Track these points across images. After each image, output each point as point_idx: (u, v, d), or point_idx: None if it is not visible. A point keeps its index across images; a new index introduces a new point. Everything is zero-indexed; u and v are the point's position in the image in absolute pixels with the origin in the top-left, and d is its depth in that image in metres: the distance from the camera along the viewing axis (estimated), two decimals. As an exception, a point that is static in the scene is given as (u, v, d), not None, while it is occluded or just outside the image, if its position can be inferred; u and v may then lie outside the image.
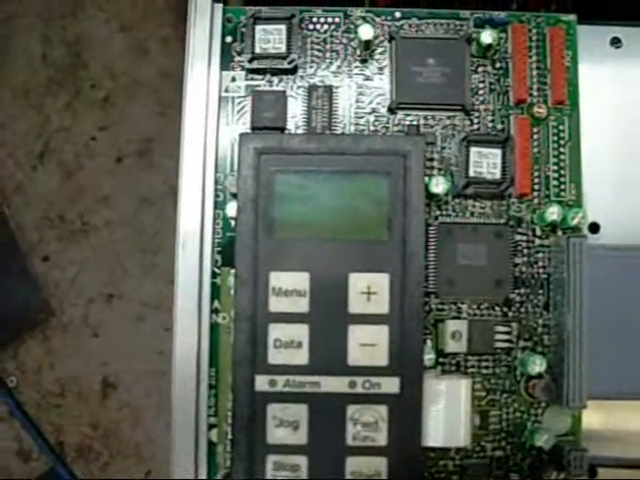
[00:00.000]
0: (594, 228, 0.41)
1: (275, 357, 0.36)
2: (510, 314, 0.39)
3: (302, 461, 0.35)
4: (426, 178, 0.37)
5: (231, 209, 0.38)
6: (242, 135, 0.37)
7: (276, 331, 0.36)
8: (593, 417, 0.41)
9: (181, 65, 0.42)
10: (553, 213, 0.38)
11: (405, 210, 0.36)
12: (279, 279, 0.36)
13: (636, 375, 0.38)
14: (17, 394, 1.21)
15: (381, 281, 0.36)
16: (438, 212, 0.40)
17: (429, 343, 0.38)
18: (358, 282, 0.36)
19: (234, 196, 0.38)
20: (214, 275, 0.39)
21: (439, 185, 0.38)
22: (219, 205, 0.40)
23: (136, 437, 1.21)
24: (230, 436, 0.37)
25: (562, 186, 0.40)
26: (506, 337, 0.39)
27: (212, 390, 0.39)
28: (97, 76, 1.29)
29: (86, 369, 1.22)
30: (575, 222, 0.38)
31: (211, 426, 0.39)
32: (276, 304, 0.36)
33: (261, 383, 0.35)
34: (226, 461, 0.39)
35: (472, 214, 0.40)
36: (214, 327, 0.39)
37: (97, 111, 1.28)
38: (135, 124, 1.27)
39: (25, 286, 1.22)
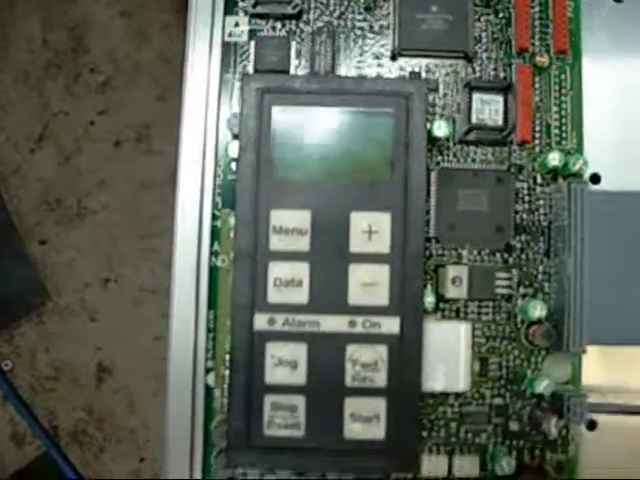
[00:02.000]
0: (595, 179, 0.41)
1: (275, 296, 0.35)
2: (511, 261, 0.39)
3: (300, 401, 0.35)
4: (428, 123, 0.37)
5: (232, 149, 0.38)
6: (245, 75, 0.37)
7: (276, 269, 0.35)
8: (593, 370, 0.40)
9: (182, 51, 0.42)
10: (554, 159, 0.38)
11: (407, 151, 0.36)
12: (280, 217, 0.36)
13: (637, 321, 0.38)
14: (12, 378, 1.21)
15: (382, 220, 0.36)
16: (439, 158, 0.39)
17: (429, 288, 0.38)
18: (359, 221, 0.36)
19: (236, 137, 0.37)
20: (214, 217, 0.39)
21: (441, 129, 0.38)
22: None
23: (131, 423, 1.20)
24: (227, 378, 0.37)
25: (563, 134, 0.40)
26: (506, 283, 0.39)
27: (210, 333, 0.39)
28: (97, 60, 1.28)
29: (82, 353, 1.21)
30: (576, 168, 0.38)
31: (208, 370, 0.38)
32: (276, 242, 0.35)
33: (260, 322, 0.35)
34: (223, 406, 0.38)
35: (473, 160, 0.40)
36: (213, 270, 0.39)
37: (96, 95, 1.28)
38: (134, 109, 1.27)
39: (22, 269, 1.21)
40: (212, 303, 0.39)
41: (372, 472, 0.37)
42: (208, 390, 0.38)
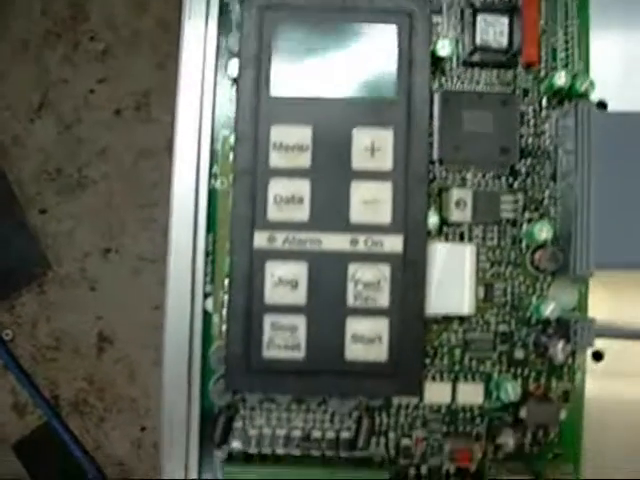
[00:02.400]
0: (602, 106, 0.40)
1: (275, 213, 0.35)
2: (516, 184, 0.38)
3: (300, 321, 0.34)
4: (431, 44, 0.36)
5: (232, 68, 0.37)
6: (245, -8, 0.36)
7: (276, 186, 0.35)
8: (599, 308, 0.39)
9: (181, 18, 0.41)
10: (560, 78, 0.37)
11: (411, 68, 0.35)
12: (280, 133, 0.35)
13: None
14: (13, 347, 1.20)
15: (385, 137, 0.35)
16: (443, 79, 0.38)
17: (433, 210, 0.37)
18: (362, 137, 0.35)
19: (235, 56, 0.37)
20: (213, 141, 0.38)
21: (444, 48, 0.37)
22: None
23: (132, 392, 1.20)
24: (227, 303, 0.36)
25: (570, 58, 0.39)
26: (512, 207, 0.38)
27: (209, 257, 0.38)
28: (96, 28, 1.27)
29: (82, 323, 1.21)
30: (583, 89, 0.37)
31: (207, 295, 0.38)
32: (277, 159, 0.35)
33: (260, 240, 0.34)
34: (222, 333, 0.37)
35: (478, 83, 0.39)
36: (212, 192, 0.38)
37: (96, 64, 1.27)
38: (134, 77, 1.25)
39: (22, 239, 1.21)
40: (211, 226, 0.38)
41: (374, 395, 0.36)
42: (206, 316, 0.37)
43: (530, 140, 0.38)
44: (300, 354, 0.34)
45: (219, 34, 0.39)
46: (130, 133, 1.25)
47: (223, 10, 0.39)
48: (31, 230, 1.22)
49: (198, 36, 0.38)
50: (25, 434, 1.18)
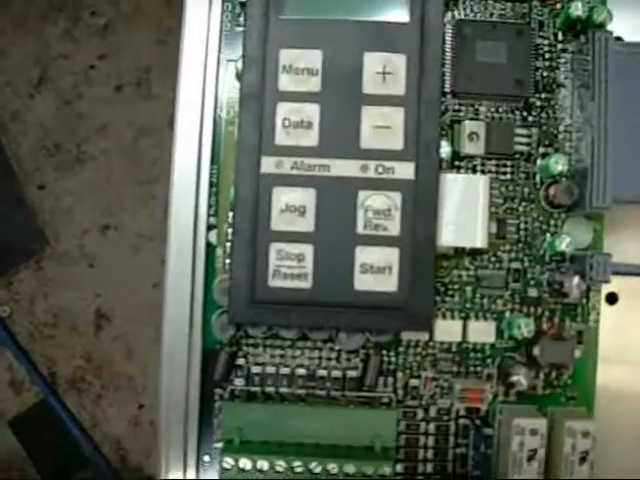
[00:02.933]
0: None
1: (283, 138, 0.33)
2: (530, 118, 0.37)
3: (308, 250, 0.33)
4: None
5: (240, -7, 0.35)
6: None
7: (285, 110, 0.33)
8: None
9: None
10: (577, 9, 0.36)
11: (424, -9, 0.34)
12: (290, 57, 0.34)
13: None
14: (10, 324, 1.19)
15: (398, 62, 0.34)
16: (455, 10, 0.37)
17: (445, 142, 0.36)
18: (373, 62, 0.34)
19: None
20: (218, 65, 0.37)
21: (459, -25, 0.35)
22: (226, -2, 0.37)
23: (129, 370, 1.19)
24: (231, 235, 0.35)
25: (587, -10, 0.38)
26: (526, 140, 0.37)
27: (213, 188, 0.36)
28: (98, 3, 1.26)
29: (80, 300, 1.20)
30: (600, 19, 0.36)
31: (210, 227, 0.36)
32: (286, 83, 0.34)
33: (267, 165, 0.33)
34: (225, 266, 0.36)
35: (492, 15, 0.37)
36: (217, 121, 0.37)
37: (97, 39, 1.25)
38: (135, 53, 1.24)
39: (20, 215, 1.19)
40: (215, 157, 0.36)
41: (383, 329, 0.35)
42: (210, 248, 0.36)
43: (545, 73, 0.37)
44: (307, 284, 0.33)
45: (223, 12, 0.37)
46: (130, 109, 1.23)
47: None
48: (29, 206, 1.21)
49: (201, 15, 0.37)
50: (22, 411, 1.17)
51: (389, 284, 0.33)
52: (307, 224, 0.33)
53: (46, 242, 1.20)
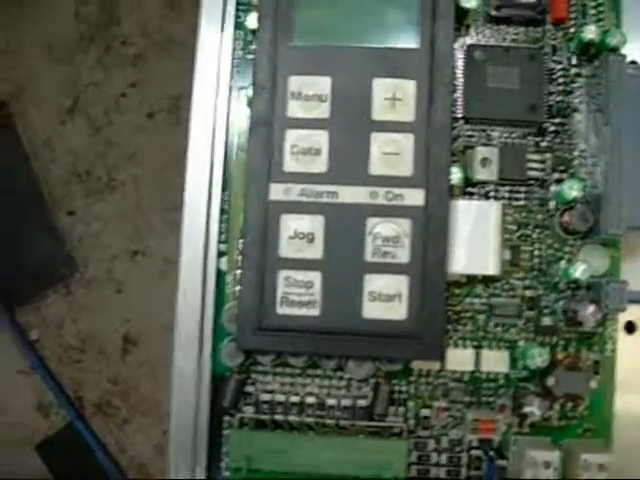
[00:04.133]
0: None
1: (291, 164, 0.33)
2: (544, 144, 0.37)
3: (316, 277, 0.33)
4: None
5: (251, 20, 0.36)
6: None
7: (294, 137, 0.33)
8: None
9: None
10: (591, 32, 0.35)
11: (434, 16, 0.34)
12: (299, 84, 0.34)
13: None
14: (39, 348, 1.20)
15: (407, 88, 0.34)
16: (468, 36, 0.37)
17: (457, 168, 0.35)
18: (383, 88, 0.34)
19: (255, 7, 0.36)
20: (230, 91, 0.37)
21: (470, 0, 0.35)
22: (238, 25, 0.37)
23: (155, 395, 1.19)
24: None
25: (600, 15, 0.38)
26: (540, 166, 0.36)
27: (224, 215, 0.36)
28: (128, 33, 1.28)
29: (108, 325, 1.20)
30: (614, 43, 0.35)
31: (221, 254, 0.36)
32: (295, 109, 0.34)
33: (275, 192, 0.33)
34: (235, 292, 0.36)
35: (504, 40, 0.37)
36: (228, 148, 0.37)
37: (128, 67, 1.27)
38: (165, 81, 1.26)
39: (50, 240, 1.21)
40: (226, 184, 0.36)
41: (393, 358, 0.34)
42: (220, 275, 0.36)
43: (559, 98, 0.37)
44: (315, 311, 0.33)
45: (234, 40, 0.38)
46: (160, 136, 1.25)
47: None
48: (58, 231, 1.22)
49: (213, 43, 0.38)
50: (49, 435, 1.18)
51: (398, 312, 0.33)
52: (315, 251, 0.33)
53: (75, 267, 1.21)
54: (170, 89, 1.22)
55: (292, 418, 0.36)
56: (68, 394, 1.17)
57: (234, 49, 0.37)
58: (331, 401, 0.36)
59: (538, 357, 0.35)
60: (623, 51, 0.36)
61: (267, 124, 0.33)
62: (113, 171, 1.24)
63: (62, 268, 1.20)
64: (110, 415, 1.18)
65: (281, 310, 0.33)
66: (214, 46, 0.37)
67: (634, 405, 0.37)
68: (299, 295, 0.33)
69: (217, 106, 0.37)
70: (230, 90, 0.37)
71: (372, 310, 0.33)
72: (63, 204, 1.23)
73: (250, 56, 0.37)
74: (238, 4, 0.38)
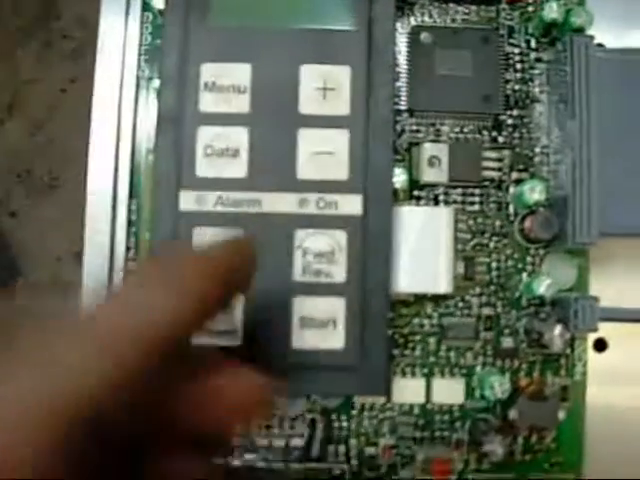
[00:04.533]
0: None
1: (205, 169, 0.28)
2: (501, 139, 0.32)
3: (236, 301, 0.28)
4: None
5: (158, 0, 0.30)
6: None
7: (207, 135, 0.28)
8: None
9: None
10: (552, 11, 0.31)
11: (371, -6, 0.29)
12: (213, 72, 0.28)
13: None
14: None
15: (341, 75, 0.28)
16: (412, 16, 0.32)
17: (401, 170, 0.31)
18: (312, 76, 0.29)
19: (160, -16, 0.30)
20: (138, 83, 0.31)
21: (414, -26, 0.30)
22: (146, 6, 0.32)
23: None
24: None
25: (563, -9, 0.33)
26: (496, 165, 0.31)
27: (131, 228, 0.31)
28: (68, 26, 1.22)
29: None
30: (579, 22, 0.31)
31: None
32: (208, 102, 0.28)
33: (186, 200, 0.28)
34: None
35: (453, 20, 0.32)
36: (136, 149, 0.32)
37: (68, 62, 1.22)
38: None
39: (-10, 244, 1.15)
40: (134, 191, 0.31)
41: (329, 394, 0.29)
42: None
43: (517, 87, 0.32)
44: (236, 341, 0.28)
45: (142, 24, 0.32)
46: (104, 133, 1.19)
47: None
48: (1, 236, 1.17)
49: (117, 27, 0.32)
50: None
51: (334, 340, 0.28)
52: (235, 279, 0.28)
53: (18, 271, 1.16)
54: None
55: (217, 462, 0.30)
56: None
57: (141, 34, 0.32)
58: (262, 441, 0.31)
59: (498, 387, 0.30)
60: (589, 32, 0.31)
61: (176, 120, 0.28)
62: (55, 170, 1.18)
63: (4, 272, 1.15)
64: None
65: (196, 340, 0.28)
66: (118, 31, 0.31)
67: (606, 434, 0.33)
68: (217, 322, 0.28)
69: (122, 100, 0.31)
70: (138, 82, 0.31)
71: (303, 338, 0.28)
72: (4, 205, 1.17)
73: (160, 42, 0.31)
74: (145, -19, 0.32)
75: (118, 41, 0.32)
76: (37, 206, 1.18)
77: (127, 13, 0.32)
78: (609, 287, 0.32)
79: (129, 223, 0.31)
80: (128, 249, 0.31)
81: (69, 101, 1.21)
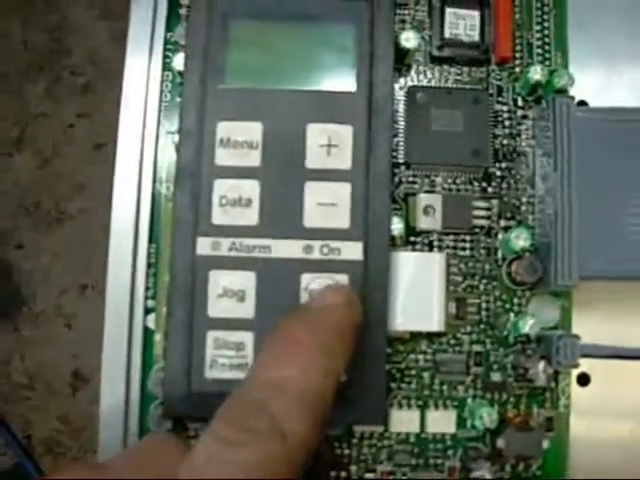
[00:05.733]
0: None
1: (220, 217, 0.31)
2: (490, 190, 0.35)
3: (247, 338, 0.31)
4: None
5: (178, 61, 0.33)
6: (193, -18, 0.33)
7: (222, 187, 0.31)
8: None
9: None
10: (536, 73, 0.34)
11: (372, 59, 0.32)
12: (228, 130, 0.31)
13: (629, 252, 0.33)
14: (-16, 386, 1.15)
15: (344, 133, 0.31)
16: (409, 77, 0.35)
17: (398, 218, 0.33)
18: (317, 133, 0.31)
19: (183, 47, 0.33)
20: (158, 136, 0.34)
21: (409, 40, 0.34)
22: (166, 66, 0.35)
23: (97, 454, 1.15)
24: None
25: (547, 54, 0.36)
26: (485, 214, 0.34)
27: (151, 269, 0.34)
28: (78, 63, 1.26)
29: (57, 361, 1.17)
30: (561, 84, 0.34)
31: (148, 310, 0.34)
32: (223, 157, 0.31)
33: (203, 246, 0.31)
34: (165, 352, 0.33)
35: (447, 80, 0.35)
36: (156, 197, 0.34)
37: (77, 98, 1.25)
38: (115, 111, 1.22)
39: (-4, 275, 1.17)
40: (154, 236, 0.34)
41: (330, 423, 0.32)
42: (147, 333, 0.34)
43: (505, 142, 0.35)
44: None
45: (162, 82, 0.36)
46: (110, 168, 1.21)
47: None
48: (6, 265, 1.19)
49: (139, 85, 0.35)
50: (-5, 477, 1.13)
51: (337, 375, 0.30)
52: (247, 310, 0.31)
53: (23, 302, 1.18)
54: (119, 120, 1.19)
55: (226, 487, 0.33)
56: (16, 433, 1.13)
57: (161, 92, 0.35)
58: (268, 468, 0.33)
59: (487, 417, 0.33)
60: (571, 92, 0.34)
61: (194, 173, 0.31)
62: (62, 203, 1.20)
63: (9, 303, 1.16)
64: (60, 454, 1.14)
65: (210, 374, 0.31)
66: (140, 89, 0.34)
67: (590, 462, 0.35)
68: (229, 358, 0.30)
69: (144, 153, 0.34)
70: (157, 136, 0.34)
71: (309, 372, 0.30)
72: (11, 237, 1.19)
73: (179, 99, 0.34)
74: (166, 43, 0.35)
75: (140, 97, 0.35)
76: (43, 239, 1.20)
77: (149, 72, 0.35)
78: (590, 326, 0.35)
79: (149, 265, 0.34)
80: (147, 288, 0.34)
81: (77, 136, 1.24)
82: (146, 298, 0.34)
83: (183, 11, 0.36)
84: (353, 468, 0.34)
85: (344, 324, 0.26)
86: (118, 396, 0.33)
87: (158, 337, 0.34)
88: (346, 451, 0.34)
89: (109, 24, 1.25)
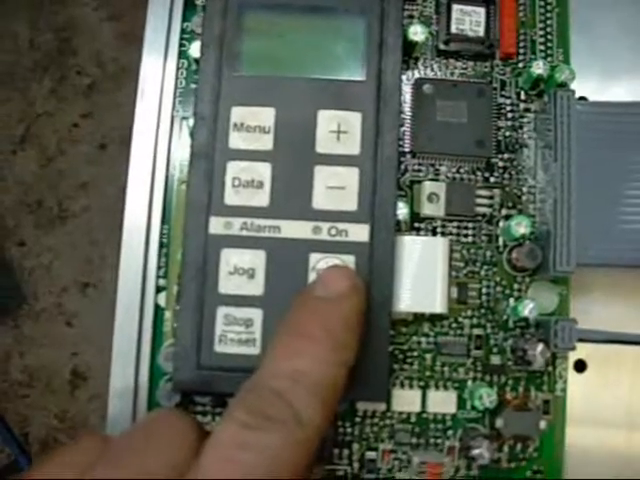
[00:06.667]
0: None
1: (232, 198, 0.32)
2: (492, 179, 0.36)
3: (257, 314, 0.32)
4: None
5: (195, 49, 0.35)
6: (209, -29, 0.34)
7: (235, 169, 0.32)
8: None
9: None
10: (539, 67, 0.35)
11: (381, 50, 0.33)
12: (241, 114, 0.33)
13: (625, 240, 0.34)
14: (-17, 383, 1.16)
15: (353, 120, 0.33)
16: (416, 69, 0.37)
17: (404, 204, 0.35)
18: (327, 120, 0.33)
19: (199, 36, 0.35)
20: (172, 121, 0.36)
21: (417, 33, 0.35)
22: (182, 54, 0.36)
23: (104, 431, 1.15)
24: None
25: (549, 51, 0.37)
26: (488, 202, 0.36)
27: (163, 249, 0.35)
28: (83, 63, 1.27)
29: (57, 359, 1.17)
30: (563, 78, 0.35)
31: (160, 289, 0.35)
32: (237, 140, 0.32)
33: (215, 225, 0.32)
34: (174, 329, 0.35)
35: (452, 74, 0.37)
36: (169, 180, 0.36)
37: (82, 98, 1.26)
38: (120, 112, 1.24)
39: (-2, 272, 1.18)
40: (166, 217, 0.35)
41: (337, 399, 0.33)
42: (158, 311, 0.35)
43: (507, 133, 0.36)
44: (255, 350, 0.32)
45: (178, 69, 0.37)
46: (113, 167, 1.23)
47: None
48: (7, 262, 1.19)
49: (156, 72, 0.36)
50: (-9, 473, 1.13)
51: (342, 352, 0.31)
52: (256, 288, 0.32)
53: (24, 299, 1.18)
54: (123, 120, 1.21)
55: (232, 462, 0.34)
56: (13, 430, 1.13)
57: (177, 78, 0.36)
58: (273, 444, 0.34)
59: (486, 398, 0.34)
60: (572, 86, 0.35)
61: (207, 156, 0.32)
62: (65, 202, 1.21)
63: (10, 300, 1.17)
64: (57, 453, 1.14)
65: (219, 348, 0.32)
66: (157, 75, 0.36)
67: (585, 446, 0.36)
68: (238, 333, 0.32)
69: (159, 137, 0.35)
70: (172, 120, 0.36)
71: (315, 348, 0.31)
72: (13, 235, 1.20)
73: (194, 86, 0.36)
74: (183, 32, 0.36)
75: (156, 84, 0.36)
76: (45, 237, 1.21)
77: (165, 59, 0.36)
78: (588, 312, 0.36)
79: (161, 245, 0.35)
80: (159, 267, 0.35)
81: (81, 135, 1.24)
82: (158, 277, 0.35)
83: (199, 1, 0.37)
84: (355, 446, 0.35)
85: (353, 317, 0.27)
86: (129, 371, 0.34)
87: (168, 315, 0.35)
88: (349, 429, 0.35)
89: (115, 25, 1.26)
